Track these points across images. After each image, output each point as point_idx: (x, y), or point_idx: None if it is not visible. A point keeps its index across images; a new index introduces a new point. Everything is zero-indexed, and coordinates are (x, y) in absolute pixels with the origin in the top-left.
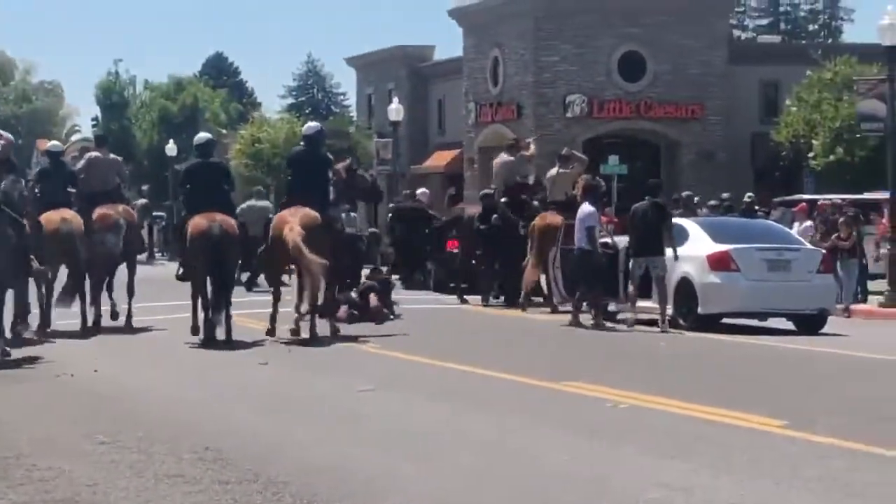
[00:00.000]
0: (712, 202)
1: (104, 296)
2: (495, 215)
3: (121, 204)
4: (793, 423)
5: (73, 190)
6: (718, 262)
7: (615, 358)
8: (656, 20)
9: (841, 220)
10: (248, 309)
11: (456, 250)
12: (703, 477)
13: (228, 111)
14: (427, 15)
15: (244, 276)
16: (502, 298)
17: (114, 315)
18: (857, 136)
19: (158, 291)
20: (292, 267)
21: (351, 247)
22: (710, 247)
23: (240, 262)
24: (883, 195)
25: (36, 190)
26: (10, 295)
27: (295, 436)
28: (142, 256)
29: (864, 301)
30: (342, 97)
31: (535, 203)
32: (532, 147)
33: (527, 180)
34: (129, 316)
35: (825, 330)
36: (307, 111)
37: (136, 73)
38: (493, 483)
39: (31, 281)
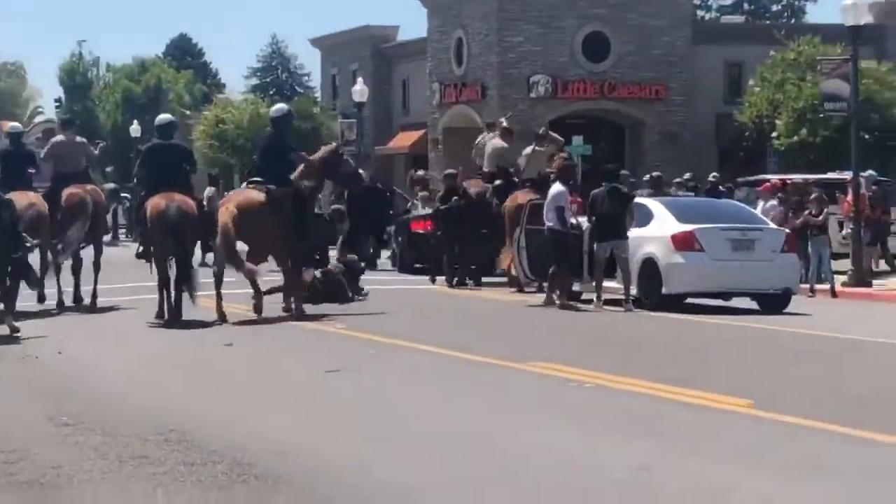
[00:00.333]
0: (677, 180)
1: (70, 279)
2: (455, 196)
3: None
4: (759, 403)
5: (33, 171)
6: (683, 242)
7: (581, 338)
8: (620, 0)
9: (812, 196)
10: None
11: (421, 231)
12: (670, 457)
13: (193, 92)
14: None
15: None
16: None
17: (77, 299)
18: (821, 116)
19: (122, 272)
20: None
21: (318, 226)
22: (675, 227)
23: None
24: (846, 175)
25: None
26: None
27: (260, 417)
28: (106, 238)
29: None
30: (306, 78)
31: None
32: (504, 123)
33: (515, 168)
34: (94, 296)
35: (789, 309)
36: (271, 92)
37: (99, 55)
38: (460, 463)
39: None
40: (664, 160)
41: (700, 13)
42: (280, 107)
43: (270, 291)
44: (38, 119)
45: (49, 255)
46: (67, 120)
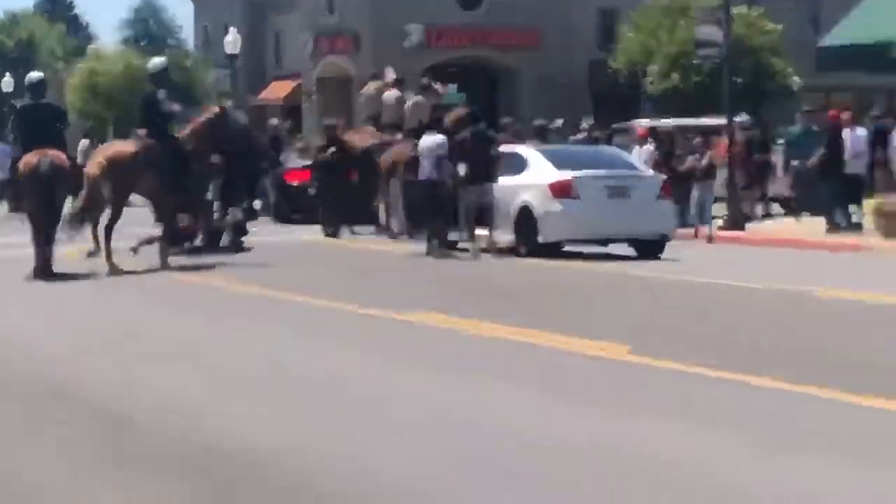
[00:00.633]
0: (551, 125)
1: None
2: (332, 148)
3: None
4: (637, 349)
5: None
6: (559, 190)
7: (459, 287)
8: None
9: (697, 139)
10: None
11: (296, 183)
12: (548, 404)
13: (65, 45)
14: None
15: None
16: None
17: None
18: (693, 62)
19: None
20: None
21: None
22: (551, 174)
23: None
24: (720, 120)
25: None
26: None
27: (143, 373)
28: None
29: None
30: (178, 29)
31: None
32: (391, 74)
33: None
34: None
35: (666, 255)
36: (143, 43)
37: None
38: (334, 409)
39: None
40: (538, 107)
41: None
42: (158, 61)
43: (145, 243)
44: None
45: None
46: None
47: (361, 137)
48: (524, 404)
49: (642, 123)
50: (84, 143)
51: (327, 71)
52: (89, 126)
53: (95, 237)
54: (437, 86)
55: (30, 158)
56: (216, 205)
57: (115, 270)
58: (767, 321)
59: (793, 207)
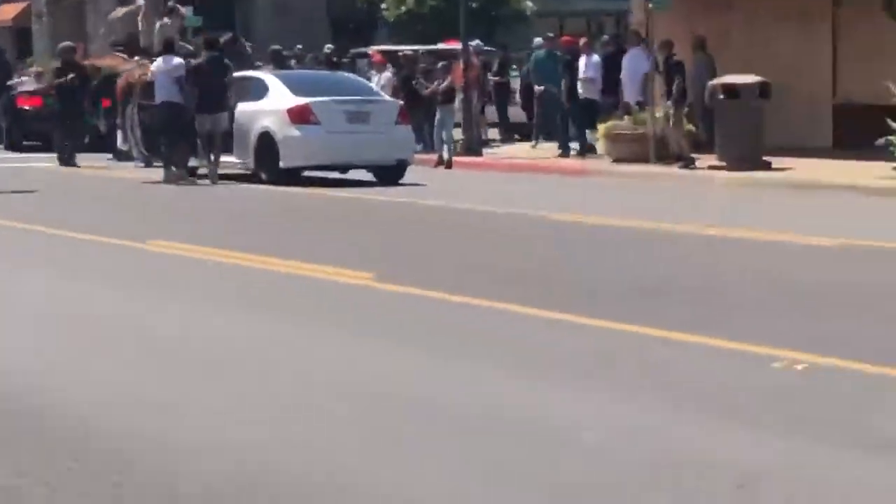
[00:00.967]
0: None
1: None
2: (72, 73)
3: None
4: (379, 276)
5: None
6: (298, 115)
7: (200, 214)
8: None
9: (440, 64)
10: None
11: (28, 107)
12: (298, 328)
13: None
14: None
15: None
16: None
17: None
18: None
19: None
20: None
21: None
22: (290, 100)
23: None
24: (457, 45)
25: None
26: None
27: None
28: None
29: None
30: None
31: None
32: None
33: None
34: None
35: (405, 180)
36: None
37: None
38: (55, 331)
39: None
40: (275, 32)
41: None
42: None
43: None
44: None
45: None
46: None
47: (113, 62)
48: (264, 327)
49: (379, 49)
50: None
51: None
52: None
53: None
54: (182, 9)
55: None
56: None
57: None
58: (505, 244)
59: (530, 132)
